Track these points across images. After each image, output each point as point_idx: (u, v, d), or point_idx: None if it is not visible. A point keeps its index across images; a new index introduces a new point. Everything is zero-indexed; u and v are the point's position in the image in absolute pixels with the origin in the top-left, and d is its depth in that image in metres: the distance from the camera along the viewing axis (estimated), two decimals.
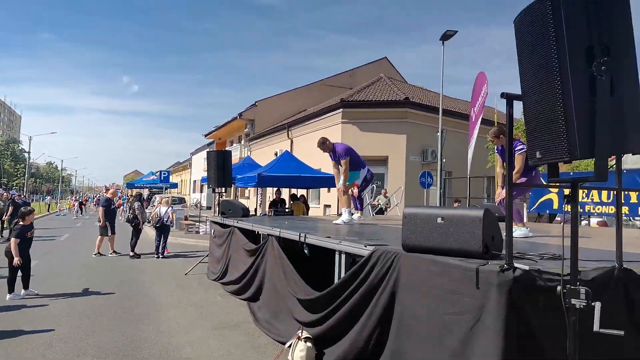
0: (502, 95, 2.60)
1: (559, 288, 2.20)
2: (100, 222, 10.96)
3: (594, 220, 10.70)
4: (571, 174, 9.94)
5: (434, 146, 16.35)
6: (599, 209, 7.76)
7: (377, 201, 14.05)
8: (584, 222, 10.75)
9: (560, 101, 2.11)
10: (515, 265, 2.43)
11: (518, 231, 4.90)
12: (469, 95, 11.51)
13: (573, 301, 2.14)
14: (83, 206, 36.37)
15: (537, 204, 8.86)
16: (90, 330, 5.16)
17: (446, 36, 14.23)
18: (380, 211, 13.85)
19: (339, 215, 7.39)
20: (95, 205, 38.41)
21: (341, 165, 6.91)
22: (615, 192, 2.82)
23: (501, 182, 5.33)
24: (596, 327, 2.06)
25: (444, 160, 14.05)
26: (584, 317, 2.17)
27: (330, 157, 7.11)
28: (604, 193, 7.57)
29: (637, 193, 6.90)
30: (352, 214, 6.99)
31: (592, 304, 2.09)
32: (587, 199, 7.83)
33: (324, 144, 7.01)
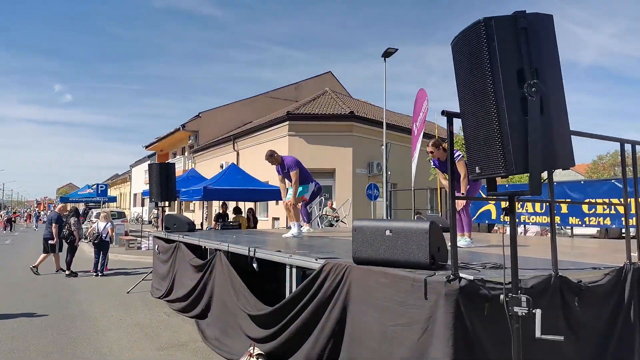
0: (443, 113, 2.75)
1: (502, 297, 2.34)
2: (53, 240, 10.51)
3: (534, 229, 11.40)
4: (507, 186, 10.54)
5: (379, 159, 16.77)
6: (533, 219, 8.28)
7: (325, 213, 14.16)
8: (520, 231, 11.41)
9: (496, 120, 2.27)
10: (461, 275, 2.55)
11: (462, 241, 5.13)
12: (410, 110, 11.97)
13: (515, 309, 2.27)
14: (13, 222, 34.10)
15: (476, 215, 9.31)
16: (24, 356, 4.82)
17: (387, 53, 14.72)
18: (330, 224, 13.97)
19: (288, 228, 7.40)
20: (25, 221, 36.11)
21: (290, 178, 6.94)
22: (548, 204, 3.03)
23: (463, 189, 5.50)
24: (538, 333, 2.20)
25: (389, 172, 14.44)
26: (526, 324, 2.31)
27: (278, 170, 7.13)
28: (537, 204, 8.09)
29: (566, 204, 7.45)
30: (301, 227, 7.03)
31: (533, 311, 2.24)
32: (523, 209, 8.34)
33: (272, 157, 7.02)
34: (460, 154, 5.22)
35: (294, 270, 4.16)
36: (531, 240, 7.31)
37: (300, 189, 6.92)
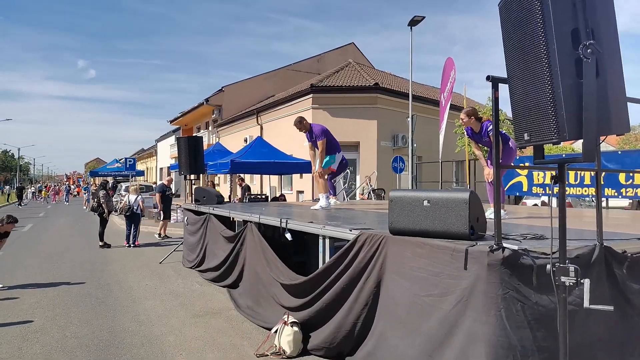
0: (488, 78, 2.64)
1: (548, 266, 2.28)
2: (157, 207, 12.29)
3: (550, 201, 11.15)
4: (517, 158, 10.24)
5: (404, 131, 16.54)
6: (567, 190, 8.07)
7: (362, 193, 13.98)
8: (546, 201, 11.18)
9: (549, 84, 2.16)
10: (504, 245, 2.50)
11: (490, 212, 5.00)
12: (432, 82, 11.70)
13: (562, 279, 2.22)
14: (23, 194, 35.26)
15: (507, 186, 9.13)
16: (67, 322, 5.02)
17: (414, 21, 14.34)
18: (371, 197, 13.86)
19: (315, 200, 7.41)
20: (54, 195, 37.39)
21: (317, 147, 6.86)
22: (595, 173, 2.93)
23: (484, 162, 5.43)
24: (586, 303, 2.15)
25: (415, 145, 14.25)
26: (573, 294, 2.26)
27: (307, 137, 7.02)
28: (572, 175, 7.87)
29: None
30: (329, 199, 7.02)
31: (581, 281, 2.18)
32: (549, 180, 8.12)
33: (300, 123, 6.90)
34: (491, 128, 5.06)
35: (327, 241, 4.17)
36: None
37: (327, 158, 6.82)
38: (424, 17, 14.22)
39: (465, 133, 5.65)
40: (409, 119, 14.00)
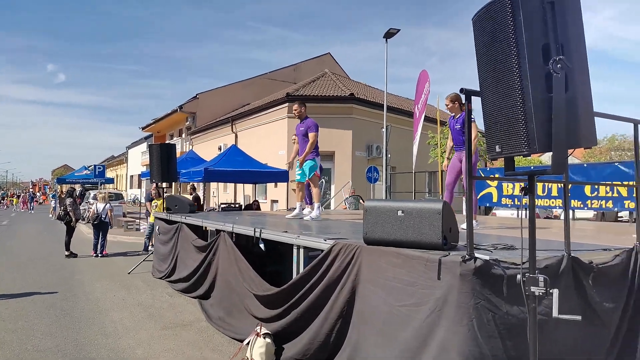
0: (461, 90, 2.68)
1: (518, 276, 2.31)
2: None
3: (519, 212, 11.39)
4: (487, 168, 10.51)
5: (379, 142, 16.70)
6: (536, 201, 8.25)
7: (345, 205, 13.84)
8: (515, 214, 11.43)
9: (519, 97, 2.21)
10: (476, 255, 2.53)
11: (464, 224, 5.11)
12: (406, 93, 11.88)
13: (532, 289, 2.25)
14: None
15: (478, 197, 9.29)
16: (29, 335, 4.81)
17: (389, 34, 14.55)
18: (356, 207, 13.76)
19: (290, 210, 7.33)
20: (21, 205, 36.24)
21: (303, 139, 6.61)
22: (562, 185, 3.00)
23: (448, 153, 5.89)
24: (555, 313, 2.18)
25: (389, 155, 14.39)
26: (542, 304, 2.29)
27: (297, 127, 6.78)
28: (539, 186, 8.07)
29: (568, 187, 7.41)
30: (303, 209, 6.97)
31: (550, 291, 2.21)
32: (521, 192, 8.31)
33: (301, 106, 6.66)
34: (474, 118, 5.42)
35: (301, 251, 4.14)
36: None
37: (312, 163, 6.57)
38: (399, 30, 14.45)
39: (449, 121, 5.79)
40: (384, 130, 14.14)
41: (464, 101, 2.73)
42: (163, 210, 10.84)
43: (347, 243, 3.47)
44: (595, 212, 12.28)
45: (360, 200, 13.36)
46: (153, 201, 11.35)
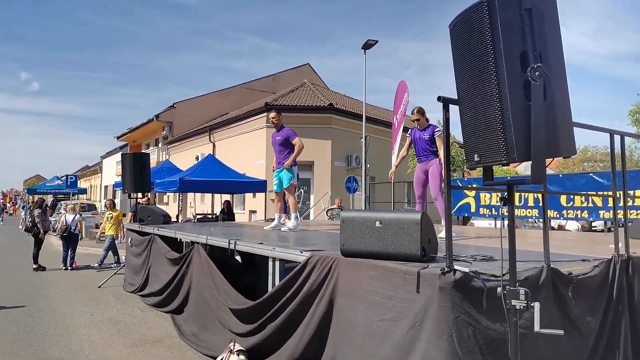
0: (439, 99, 2.63)
1: (499, 289, 2.25)
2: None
3: (496, 222, 11.47)
4: (466, 179, 10.60)
5: (358, 152, 16.71)
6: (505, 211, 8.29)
7: (329, 215, 13.64)
8: (493, 223, 11.51)
9: (498, 105, 2.16)
10: (455, 267, 2.45)
11: (443, 233, 5.06)
12: (386, 104, 11.89)
13: (513, 302, 2.18)
14: None
15: (456, 207, 9.32)
16: None
17: (368, 45, 14.63)
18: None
19: (268, 220, 7.18)
20: None
21: (281, 148, 6.52)
22: (540, 195, 2.96)
23: (397, 162, 6.09)
24: (537, 327, 2.11)
25: (368, 165, 14.38)
26: (523, 317, 2.23)
27: (273, 137, 6.68)
28: (516, 196, 8.13)
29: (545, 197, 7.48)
30: (281, 219, 6.84)
31: (532, 304, 2.15)
32: (501, 202, 8.36)
33: (277, 115, 6.55)
34: (439, 129, 5.46)
35: (277, 263, 4.01)
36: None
37: (288, 175, 6.47)
38: (377, 41, 14.55)
39: (410, 132, 5.76)
40: (363, 140, 14.15)
41: (438, 110, 2.67)
42: (121, 221, 10.56)
43: (324, 255, 3.36)
44: (584, 222, 12.44)
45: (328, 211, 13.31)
46: (107, 212, 10.84)
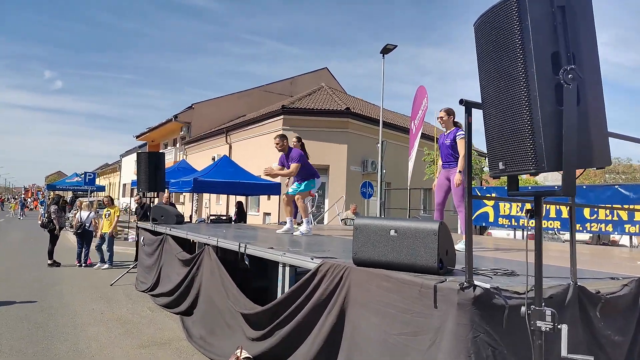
0: (461, 102, 2.48)
1: (523, 309, 2.08)
2: None
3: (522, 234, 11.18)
4: (484, 188, 10.34)
5: (374, 157, 16.53)
6: (532, 223, 8.02)
7: (345, 217, 13.47)
8: (511, 234, 11.23)
9: (527, 110, 2.01)
10: (475, 282, 2.29)
11: (460, 244, 4.87)
12: (402, 110, 11.70)
13: (538, 323, 2.01)
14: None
15: (474, 216, 9.08)
16: None
17: (386, 49, 14.49)
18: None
19: (281, 224, 7.10)
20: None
21: (288, 168, 6.55)
22: (568, 207, 2.78)
23: (437, 173, 5.54)
24: (564, 352, 1.95)
25: (384, 171, 14.20)
26: (548, 339, 2.06)
27: (281, 158, 6.71)
28: None
29: (567, 209, 7.22)
30: (292, 223, 6.74)
31: (558, 326, 1.98)
32: (522, 212, 8.13)
33: (282, 140, 6.56)
34: (463, 133, 5.20)
35: (287, 269, 3.89)
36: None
37: (310, 183, 6.56)
38: (396, 46, 14.39)
39: (439, 138, 5.59)
40: (379, 145, 13.98)
41: (460, 114, 2.52)
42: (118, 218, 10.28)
43: (335, 263, 3.23)
44: (591, 235, 12.09)
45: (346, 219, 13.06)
46: (105, 209, 10.63)
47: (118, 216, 10.56)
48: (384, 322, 2.69)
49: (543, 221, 6.61)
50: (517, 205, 8.19)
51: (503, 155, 2.17)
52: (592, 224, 7.11)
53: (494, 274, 2.88)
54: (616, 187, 7.05)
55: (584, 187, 8.16)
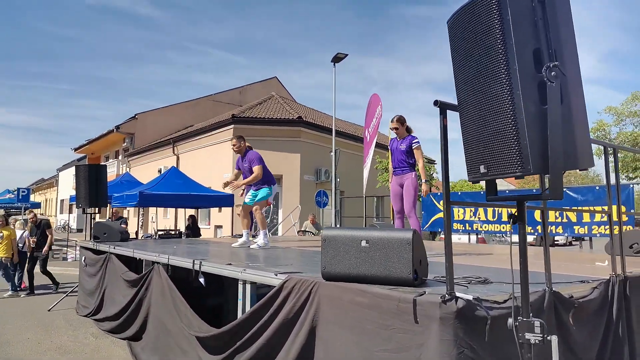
0: (436, 103, 2.35)
1: (510, 321, 1.95)
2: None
3: (472, 238, 11.41)
4: (459, 193, 10.51)
5: (327, 166, 16.46)
6: (485, 227, 8.20)
7: (303, 228, 13.11)
8: (463, 238, 11.44)
9: (510, 109, 1.89)
10: (457, 294, 2.15)
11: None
12: (354, 119, 11.68)
13: (527, 336, 1.89)
14: None
15: (429, 223, 9.15)
16: None
17: (337, 58, 14.51)
18: None
19: (236, 237, 6.79)
20: None
21: (246, 174, 6.24)
22: (540, 211, 2.72)
23: (423, 176, 5.30)
24: None
25: (338, 179, 14.13)
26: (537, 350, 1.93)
27: (238, 161, 6.39)
28: (489, 211, 8.02)
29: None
30: (248, 235, 6.44)
31: (548, 337, 1.86)
32: (475, 217, 8.25)
33: (239, 141, 6.27)
34: (418, 140, 5.21)
35: (248, 286, 3.61)
36: (482, 249, 7.19)
37: (266, 190, 6.24)
38: (346, 55, 14.44)
39: (390, 144, 5.53)
40: (332, 154, 13.90)
41: (431, 117, 2.40)
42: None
43: (302, 278, 3.00)
44: (536, 237, 12.56)
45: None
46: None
47: (14, 239, 9.09)
48: (363, 338, 2.48)
49: (497, 225, 6.67)
50: (471, 210, 8.31)
51: (484, 158, 2.05)
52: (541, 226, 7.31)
53: (469, 283, 2.77)
54: (565, 190, 7.29)
55: (534, 190, 8.42)
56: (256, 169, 6.11)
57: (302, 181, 17.38)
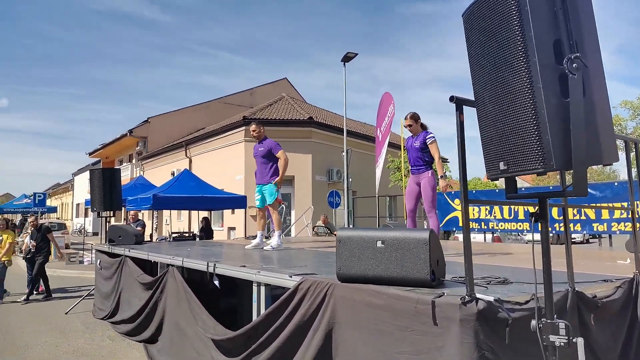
0: (451, 99, 2.29)
1: (533, 322, 1.88)
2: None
3: (487, 237, 11.25)
4: (474, 192, 10.37)
5: (339, 166, 16.40)
6: (502, 225, 8.07)
7: (315, 230, 13.05)
8: (478, 237, 11.29)
9: (530, 103, 1.83)
10: (478, 296, 2.08)
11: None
12: (364, 119, 11.58)
13: (552, 338, 1.82)
14: None
15: (444, 222, 9.04)
16: None
17: (347, 57, 14.46)
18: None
19: (248, 238, 6.75)
20: None
21: (265, 161, 6.12)
22: (563, 209, 2.64)
23: (440, 171, 5.16)
24: None
25: (350, 179, 14.07)
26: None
27: (255, 149, 6.29)
28: (505, 209, 7.89)
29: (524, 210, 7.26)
30: (262, 236, 6.41)
31: (573, 340, 1.79)
32: (490, 215, 8.13)
33: (259, 126, 6.20)
34: (433, 135, 5.11)
35: (262, 288, 3.58)
36: (496, 248, 7.07)
37: (273, 187, 6.09)
38: (356, 54, 14.38)
39: (406, 142, 5.45)
40: (344, 153, 13.84)
41: (448, 112, 2.35)
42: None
43: (317, 280, 2.96)
44: (552, 235, 12.36)
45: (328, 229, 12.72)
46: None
47: (11, 242, 8.93)
48: (380, 341, 2.43)
49: (514, 223, 6.55)
50: (486, 209, 8.20)
51: (503, 154, 1.99)
52: (561, 224, 7.16)
53: (488, 283, 2.70)
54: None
55: (551, 187, 8.27)
56: (280, 153, 6.05)
57: (314, 182, 17.35)
